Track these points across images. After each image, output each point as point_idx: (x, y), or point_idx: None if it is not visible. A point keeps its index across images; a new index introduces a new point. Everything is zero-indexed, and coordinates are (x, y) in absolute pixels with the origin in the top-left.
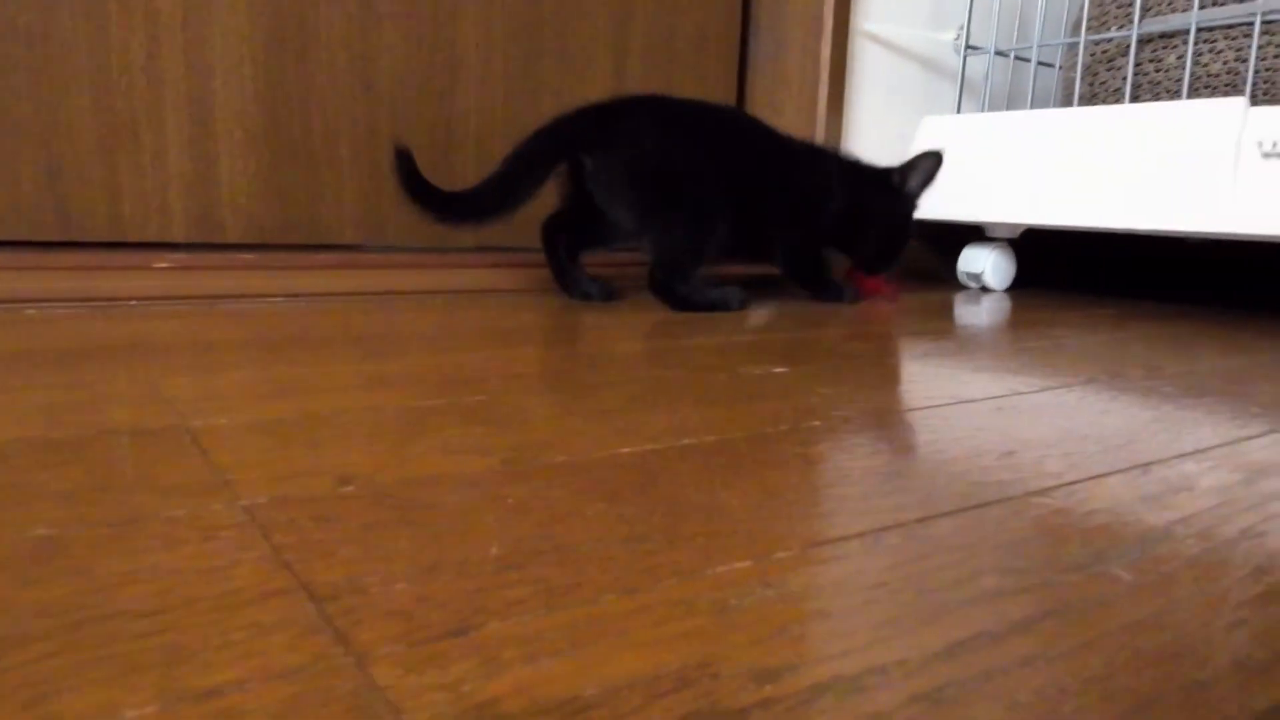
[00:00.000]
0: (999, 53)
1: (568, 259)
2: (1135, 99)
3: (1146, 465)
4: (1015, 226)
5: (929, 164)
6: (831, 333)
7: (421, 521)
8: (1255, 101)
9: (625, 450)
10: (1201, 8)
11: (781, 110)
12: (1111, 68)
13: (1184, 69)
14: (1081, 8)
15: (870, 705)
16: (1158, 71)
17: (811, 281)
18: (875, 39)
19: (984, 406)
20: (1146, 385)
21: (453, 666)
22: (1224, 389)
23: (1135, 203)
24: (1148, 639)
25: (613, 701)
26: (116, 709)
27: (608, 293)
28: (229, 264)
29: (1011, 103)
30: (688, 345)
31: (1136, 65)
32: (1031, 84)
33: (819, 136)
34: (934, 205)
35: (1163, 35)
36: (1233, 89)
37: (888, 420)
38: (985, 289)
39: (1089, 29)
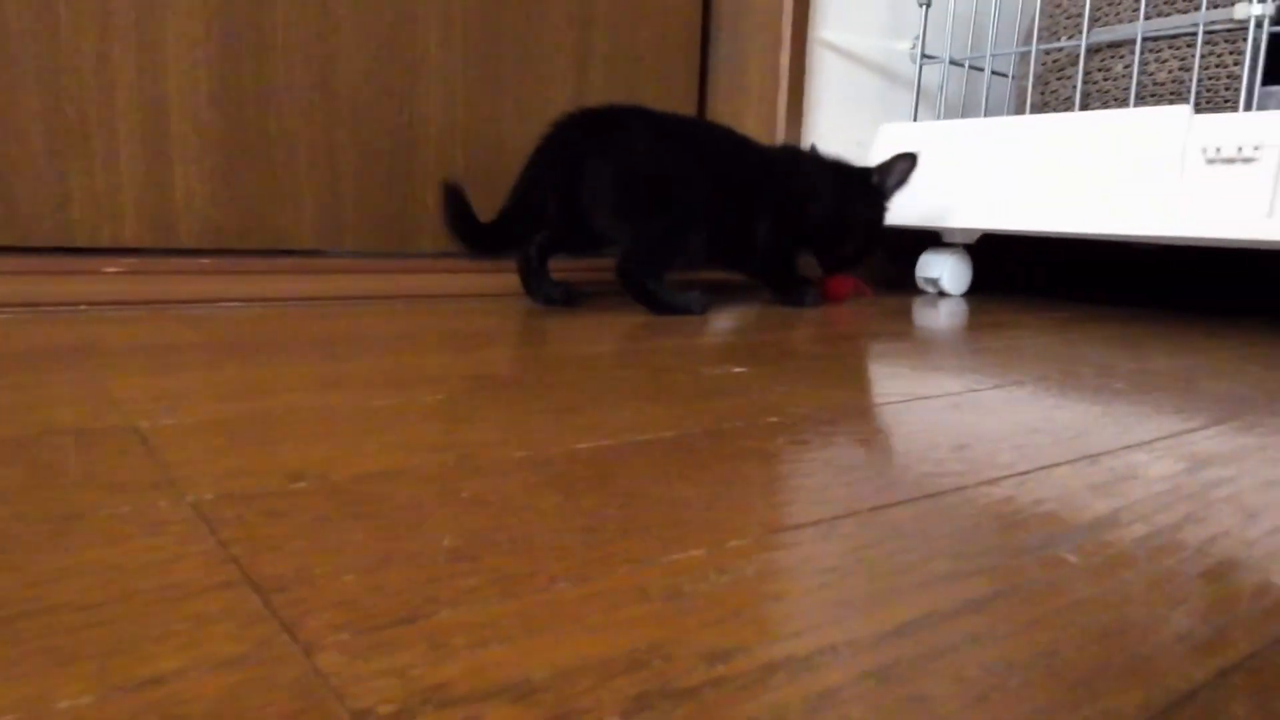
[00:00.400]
0: (954, 62)
1: (537, 263)
2: (1085, 107)
3: (1095, 456)
4: (971, 232)
5: (904, 165)
6: (791, 335)
7: (373, 515)
8: (1199, 109)
9: (583, 446)
10: (1147, 18)
11: (742, 118)
12: (1062, 76)
13: (1131, 78)
14: (1033, 18)
15: (821, 682)
16: (1106, 80)
17: (783, 283)
18: (833, 48)
19: (939, 403)
20: (1097, 383)
21: (401, 653)
22: (1171, 386)
23: (1086, 208)
24: (1093, 616)
25: (562, 684)
26: (50, 699)
27: (571, 297)
28: (183, 269)
29: (967, 111)
30: (649, 347)
31: (1086, 74)
32: (985, 92)
33: (779, 144)
34: (892, 212)
35: (1111, 45)
36: (1178, 97)
37: (845, 416)
38: (943, 294)
39: (1040, 39)
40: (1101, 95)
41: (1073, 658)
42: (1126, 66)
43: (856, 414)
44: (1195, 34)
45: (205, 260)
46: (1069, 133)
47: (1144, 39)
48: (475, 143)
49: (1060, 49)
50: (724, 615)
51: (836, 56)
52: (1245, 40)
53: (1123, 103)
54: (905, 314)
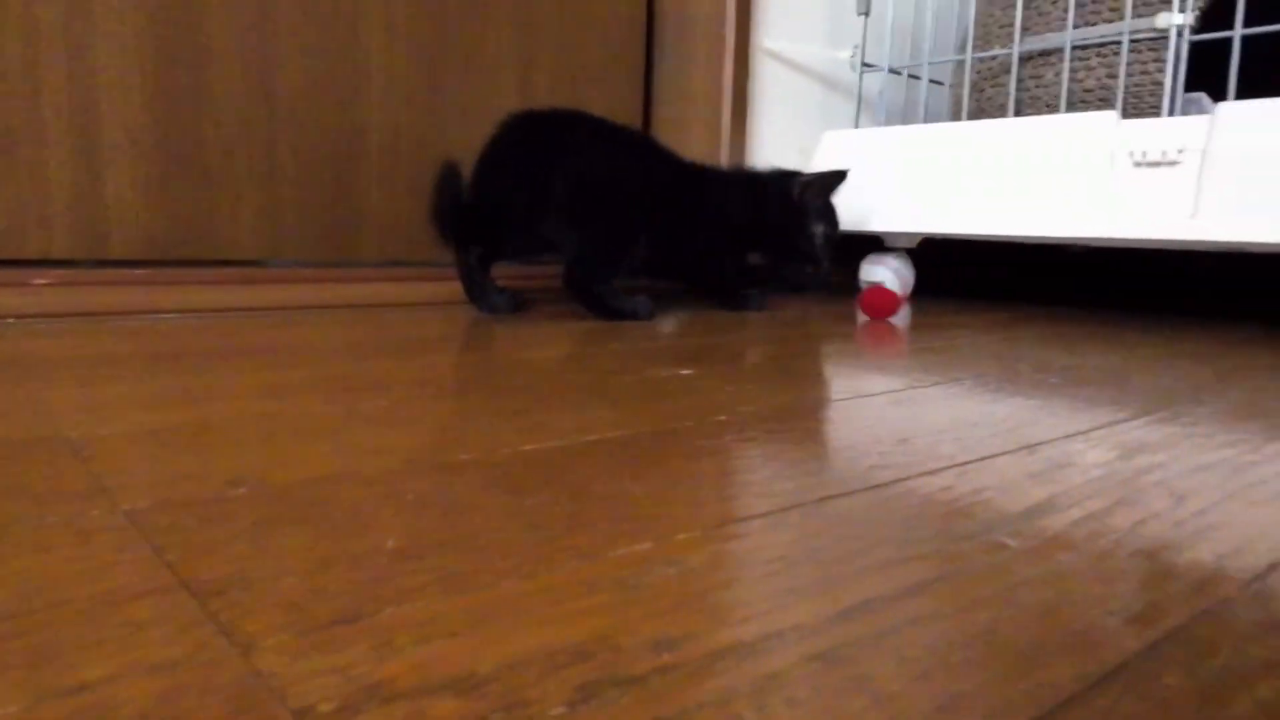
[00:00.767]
0: (893, 70)
1: (480, 270)
2: (1019, 113)
3: (1033, 446)
4: (913, 236)
5: (827, 181)
6: (736, 338)
7: (316, 518)
8: (1126, 114)
9: (531, 448)
10: (1075, 28)
11: (688, 126)
12: (996, 84)
13: (1062, 85)
14: (968, 28)
15: (766, 666)
16: (1038, 87)
17: (721, 290)
18: (776, 57)
19: (882, 400)
20: (1035, 378)
21: (344, 651)
22: (1105, 380)
23: (1023, 211)
24: (1031, 595)
25: (508, 676)
26: None
27: (516, 304)
28: (116, 279)
29: (907, 118)
30: (596, 352)
31: (1019, 81)
32: (923, 100)
33: (724, 151)
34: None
35: (1042, 53)
36: (1106, 103)
37: (791, 414)
38: None
39: (975, 48)
40: (1034, 102)
41: (1011, 635)
42: (1057, 74)
43: (802, 411)
44: (1120, 43)
45: (139, 271)
46: (1004, 138)
47: (1073, 48)
48: (419, 150)
49: (994, 57)
50: (671, 605)
51: (779, 65)
52: (1167, 49)
53: (1054, 109)
54: (849, 317)
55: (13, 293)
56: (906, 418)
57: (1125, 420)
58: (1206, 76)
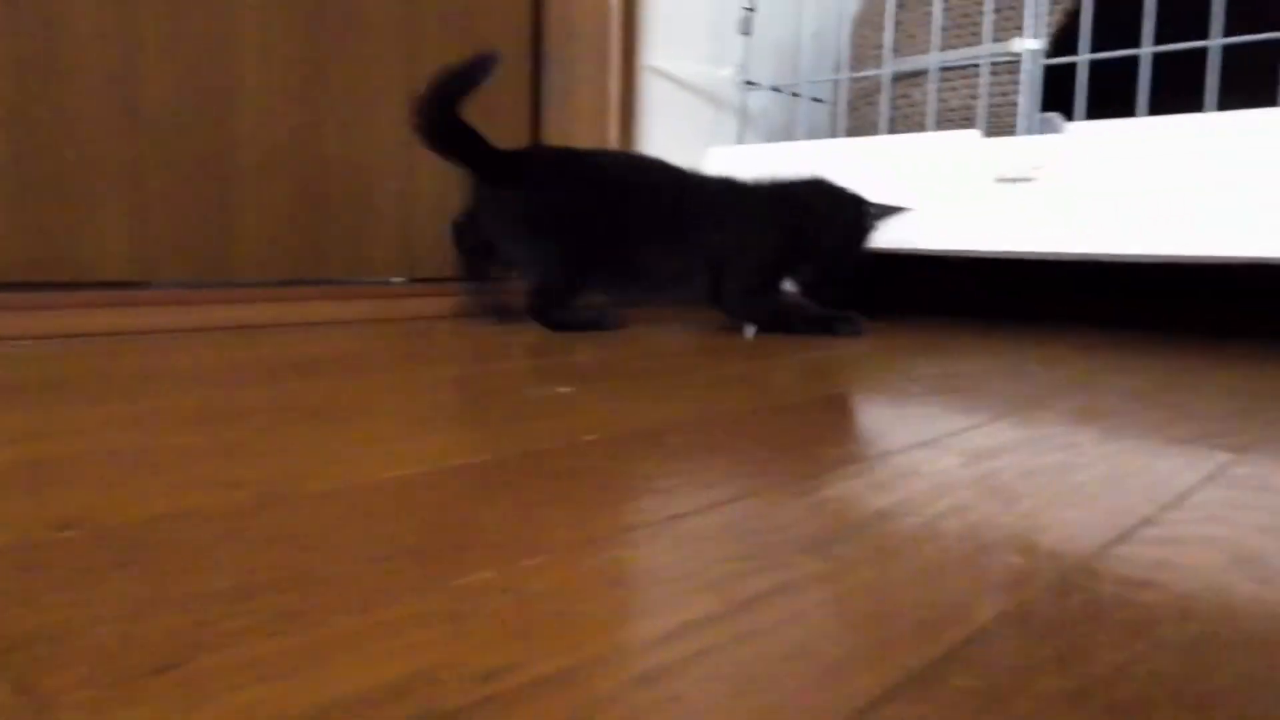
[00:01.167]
0: (774, 88)
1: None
2: (891, 131)
3: (883, 455)
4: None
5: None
6: (629, 353)
7: (147, 561)
8: (987, 133)
9: (389, 475)
10: (940, 51)
11: (575, 141)
12: (870, 103)
13: (929, 104)
14: (843, 49)
15: (587, 693)
16: (909, 106)
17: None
18: (661, 74)
19: (749, 415)
20: (898, 387)
21: (150, 704)
22: (963, 388)
23: (895, 226)
24: (854, 605)
25: (321, 719)
26: None
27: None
28: None
29: (789, 135)
30: (481, 372)
31: (891, 100)
32: (804, 117)
33: None
34: None
35: (911, 74)
36: (969, 122)
37: (658, 431)
38: None
39: (850, 68)
40: (905, 120)
41: (827, 646)
42: (924, 94)
43: (669, 427)
44: (980, 65)
45: None
46: (878, 155)
47: (939, 69)
48: (299, 166)
49: (867, 77)
50: (503, 636)
51: (665, 82)
52: (1022, 71)
53: (924, 127)
54: (732, 332)
55: None
56: (767, 433)
57: (974, 427)
58: (1061, 96)
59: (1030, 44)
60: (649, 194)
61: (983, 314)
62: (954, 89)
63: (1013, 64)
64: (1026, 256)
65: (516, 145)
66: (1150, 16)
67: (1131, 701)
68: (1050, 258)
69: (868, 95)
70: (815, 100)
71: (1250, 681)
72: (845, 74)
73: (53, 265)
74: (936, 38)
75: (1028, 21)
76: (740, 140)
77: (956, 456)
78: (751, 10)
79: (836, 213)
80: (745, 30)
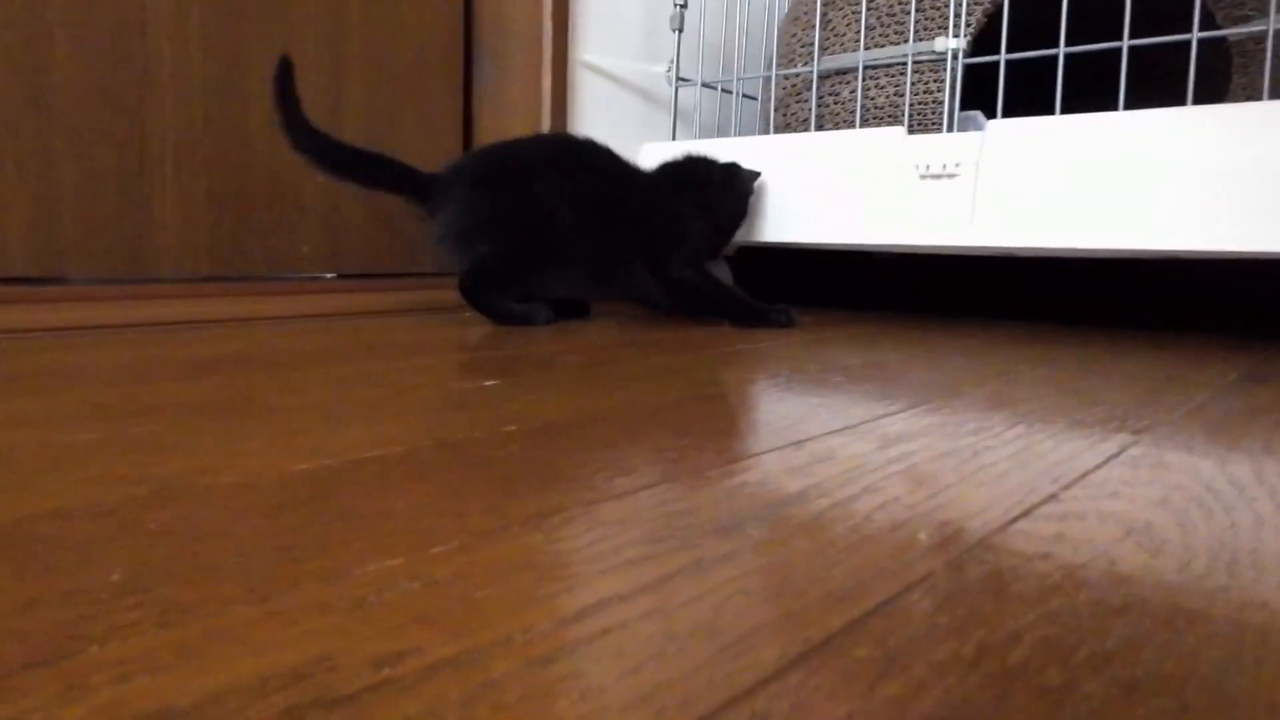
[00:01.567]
0: (706, 85)
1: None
2: (820, 127)
3: (800, 442)
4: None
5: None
6: (562, 346)
7: (32, 557)
8: (912, 130)
9: (301, 468)
10: (866, 49)
11: (507, 136)
12: (800, 100)
13: (856, 101)
14: (773, 47)
15: (485, 674)
16: (836, 103)
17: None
18: (594, 69)
19: (673, 404)
20: (820, 377)
21: (24, 700)
22: (885, 376)
23: (826, 220)
24: (758, 582)
25: (209, 707)
26: None
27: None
28: None
29: (721, 131)
30: (404, 366)
31: (819, 98)
32: (736, 113)
33: None
34: None
35: (838, 72)
36: (894, 119)
37: (581, 421)
38: None
39: (780, 65)
40: (834, 117)
41: (731, 621)
42: (852, 91)
43: (592, 418)
44: (905, 64)
45: None
46: (807, 151)
47: (865, 67)
48: (220, 160)
49: (797, 75)
50: (405, 621)
51: (598, 78)
52: (945, 70)
53: (851, 124)
54: (659, 324)
55: None
56: (689, 420)
57: (892, 414)
58: (983, 95)
59: (953, 43)
60: (575, 181)
61: (912, 308)
62: (880, 87)
63: (936, 63)
64: (950, 251)
65: (448, 140)
66: (1064, 18)
67: (1024, 663)
68: (973, 252)
69: (798, 92)
70: (747, 97)
71: (1137, 642)
72: (775, 71)
73: None
74: (863, 36)
75: (951, 21)
76: (674, 136)
77: (872, 441)
78: (684, 7)
79: (729, 180)
80: (677, 27)
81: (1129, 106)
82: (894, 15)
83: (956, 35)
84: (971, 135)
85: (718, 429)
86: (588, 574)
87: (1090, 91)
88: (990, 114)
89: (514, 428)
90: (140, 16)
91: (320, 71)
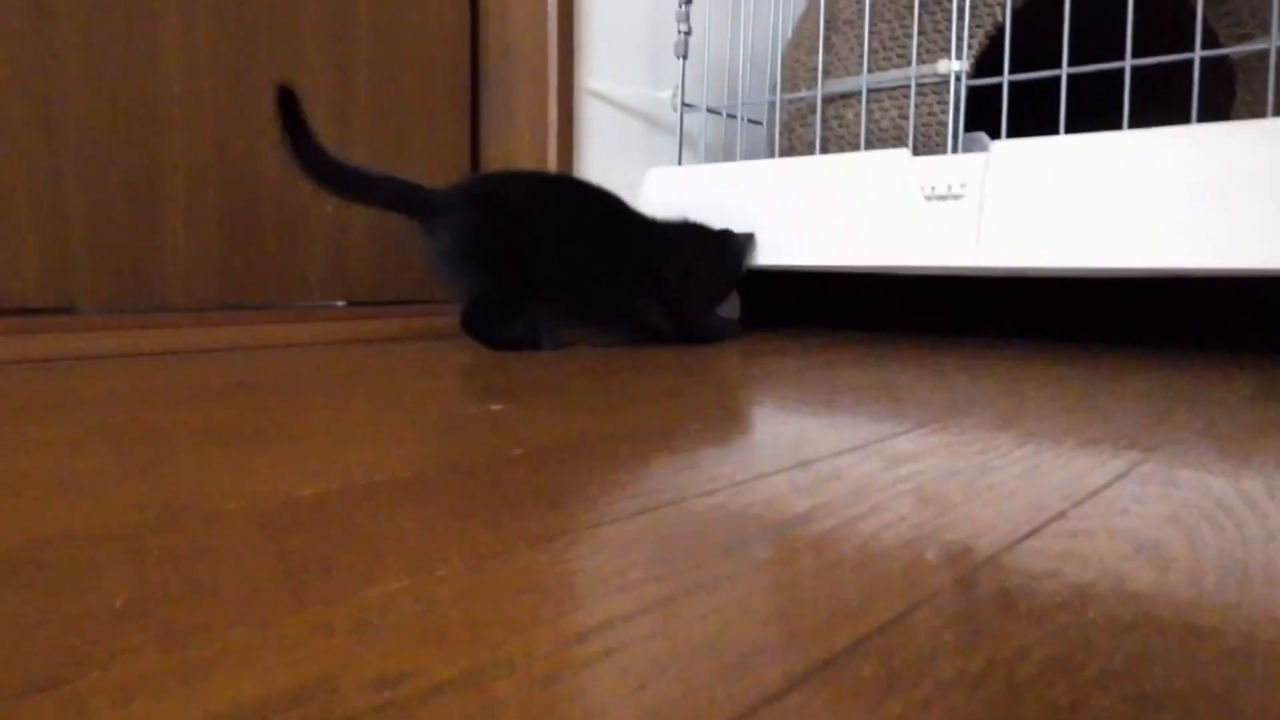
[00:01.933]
0: (711, 110)
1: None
2: (825, 150)
3: (808, 462)
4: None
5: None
6: (568, 370)
7: (37, 581)
8: (916, 152)
9: (307, 491)
10: (870, 73)
11: (515, 162)
12: (805, 123)
13: (860, 124)
14: (777, 72)
15: (488, 695)
16: (841, 126)
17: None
18: (600, 96)
19: (680, 427)
20: (827, 397)
21: None
22: (893, 397)
23: (833, 243)
24: (764, 602)
25: None
26: None
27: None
28: None
29: (727, 154)
30: (410, 390)
31: (823, 121)
32: (740, 137)
33: None
34: None
35: (842, 95)
36: (899, 141)
37: (587, 443)
38: None
39: (783, 90)
40: (838, 140)
41: (736, 640)
42: (856, 114)
43: (598, 440)
44: (909, 86)
45: None
46: (812, 174)
47: (869, 90)
48: (229, 186)
49: (801, 99)
50: (408, 643)
51: (603, 105)
52: (948, 92)
53: (855, 146)
54: (672, 348)
55: None
56: (698, 440)
57: (899, 434)
58: (987, 115)
59: (955, 65)
60: (582, 222)
61: (920, 329)
62: (884, 110)
63: (940, 85)
64: (956, 272)
65: (455, 166)
66: (1066, 39)
67: (1032, 681)
68: (979, 273)
69: (802, 116)
70: (752, 121)
71: (1143, 658)
72: (779, 96)
73: None
74: (865, 60)
75: (953, 44)
76: (679, 161)
77: (880, 461)
78: (688, 34)
79: (723, 244)
80: (682, 54)
81: (1133, 125)
82: (896, 39)
83: (959, 58)
84: (976, 156)
85: (724, 450)
86: (592, 595)
87: (1094, 109)
88: (994, 134)
89: (519, 450)
90: (152, 48)
91: (329, 101)
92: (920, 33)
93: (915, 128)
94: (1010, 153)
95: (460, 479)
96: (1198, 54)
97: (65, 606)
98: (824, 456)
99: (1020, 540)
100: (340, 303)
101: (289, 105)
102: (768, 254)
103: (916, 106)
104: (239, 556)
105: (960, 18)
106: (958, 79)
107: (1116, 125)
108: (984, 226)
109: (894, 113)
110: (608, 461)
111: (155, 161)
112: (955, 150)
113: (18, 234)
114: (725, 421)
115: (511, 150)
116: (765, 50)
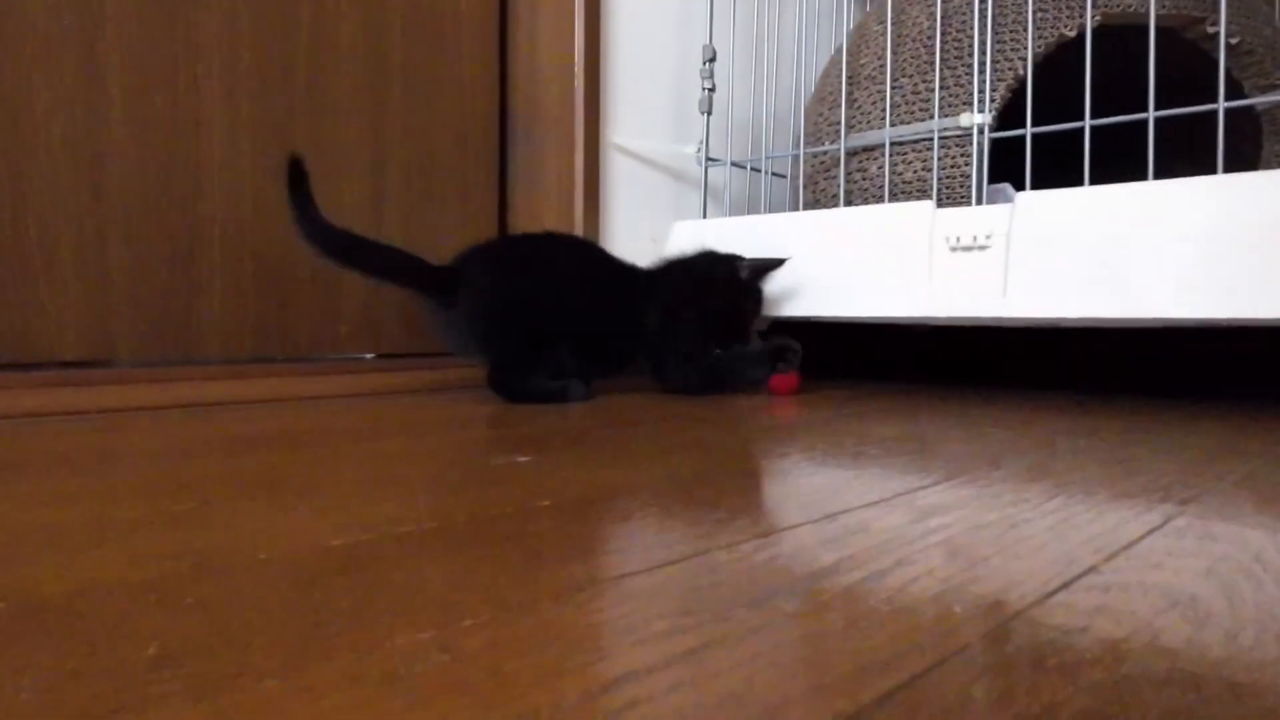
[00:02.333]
0: (735, 164)
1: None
2: (849, 203)
3: (834, 514)
4: (761, 320)
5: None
6: (588, 421)
7: (75, 631)
8: (941, 203)
9: (336, 542)
10: (892, 126)
11: (542, 217)
12: (828, 176)
13: (884, 177)
14: (801, 125)
15: None
16: (864, 179)
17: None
18: (625, 151)
19: (705, 477)
20: (855, 450)
21: None
22: (921, 448)
23: (857, 294)
24: (789, 655)
25: None
26: None
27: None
28: None
29: (752, 207)
30: (440, 442)
31: (847, 174)
32: (765, 191)
33: None
34: None
35: (865, 149)
36: (923, 193)
37: (612, 494)
38: None
39: (807, 143)
40: (862, 193)
41: (762, 693)
42: (880, 167)
43: (624, 491)
44: (932, 139)
45: None
46: (836, 226)
47: (892, 144)
48: (265, 245)
49: (824, 152)
50: (435, 693)
51: (628, 159)
52: (971, 144)
53: (879, 199)
54: (694, 397)
55: None
56: (724, 492)
57: (927, 486)
58: (1011, 166)
59: (978, 118)
60: (584, 277)
61: (949, 380)
62: (908, 162)
63: (963, 137)
64: (983, 323)
65: (485, 222)
66: (1088, 92)
67: None
68: (1007, 324)
69: (826, 170)
70: (776, 175)
71: (1181, 716)
72: (803, 150)
73: (7, 344)
74: (888, 115)
75: (974, 98)
76: (704, 214)
77: (907, 514)
78: (712, 90)
79: (713, 270)
80: (706, 109)
81: (1159, 174)
82: (918, 93)
83: (981, 111)
84: (1001, 207)
85: (750, 502)
86: (617, 646)
87: (1120, 159)
88: (1019, 186)
89: (546, 502)
90: (195, 110)
91: (363, 162)
92: (943, 86)
93: (939, 180)
94: (1035, 204)
95: (487, 530)
96: (1221, 105)
97: (100, 655)
98: (851, 508)
99: (1051, 594)
100: (370, 355)
101: (297, 176)
102: (793, 305)
103: (940, 159)
104: (269, 607)
105: (981, 72)
106: (981, 131)
107: (1142, 176)
108: (1010, 277)
109: (917, 165)
110: (633, 513)
111: (195, 221)
112: (980, 202)
113: (63, 289)
114: (751, 473)
115: (539, 206)
116: (788, 105)
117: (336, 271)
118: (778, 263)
